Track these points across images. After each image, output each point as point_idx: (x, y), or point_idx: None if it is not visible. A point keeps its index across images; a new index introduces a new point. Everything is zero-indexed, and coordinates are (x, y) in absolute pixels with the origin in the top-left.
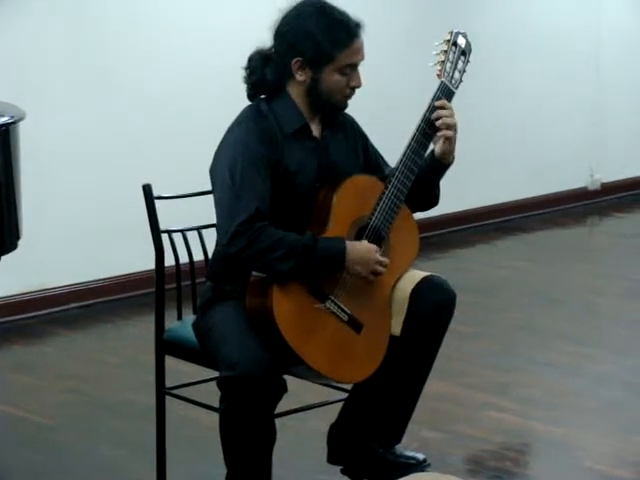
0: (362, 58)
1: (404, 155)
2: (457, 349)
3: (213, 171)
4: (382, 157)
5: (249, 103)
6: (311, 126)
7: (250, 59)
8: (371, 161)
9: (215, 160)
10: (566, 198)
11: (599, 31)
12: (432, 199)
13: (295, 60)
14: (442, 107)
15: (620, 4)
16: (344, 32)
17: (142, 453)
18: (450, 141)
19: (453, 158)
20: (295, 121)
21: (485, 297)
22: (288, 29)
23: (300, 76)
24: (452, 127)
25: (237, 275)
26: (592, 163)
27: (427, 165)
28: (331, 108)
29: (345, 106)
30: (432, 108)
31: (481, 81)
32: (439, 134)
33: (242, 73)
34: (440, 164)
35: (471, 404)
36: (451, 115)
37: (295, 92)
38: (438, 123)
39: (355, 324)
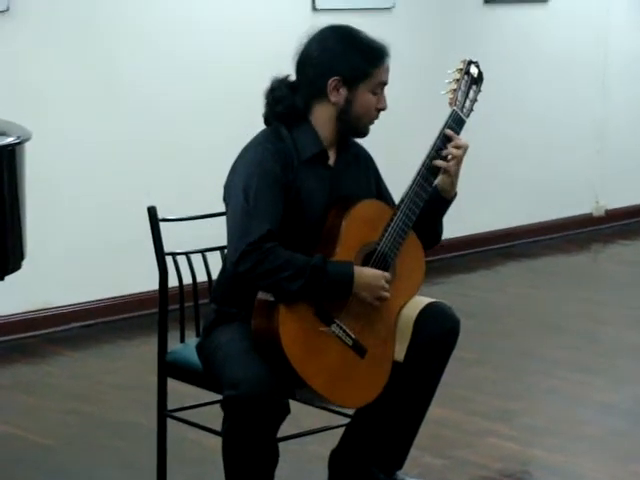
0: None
1: (413, 182)
2: (459, 375)
3: (228, 188)
4: (391, 198)
5: (255, 128)
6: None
7: (274, 88)
8: (380, 199)
9: (230, 177)
10: (570, 224)
11: (605, 59)
12: (435, 237)
13: (332, 79)
14: (451, 137)
15: (627, 34)
16: (377, 50)
17: (143, 475)
18: (450, 174)
19: (455, 194)
20: (313, 147)
21: (488, 323)
22: (321, 52)
23: (334, 97)
24: (453, 160)
25: (242, 298)
26: (597, 189)
27: (430, 198)
28: (356, 132)
29: (367, 132)
30: (442, 136)
31: (485, 106)
32: (437, 163)
33: (251, 96)
34: (441, 198)
35: (473, 430)
36: (457, 147)
37: (322, 117)
38: (439, 163)
39: (359, 349)
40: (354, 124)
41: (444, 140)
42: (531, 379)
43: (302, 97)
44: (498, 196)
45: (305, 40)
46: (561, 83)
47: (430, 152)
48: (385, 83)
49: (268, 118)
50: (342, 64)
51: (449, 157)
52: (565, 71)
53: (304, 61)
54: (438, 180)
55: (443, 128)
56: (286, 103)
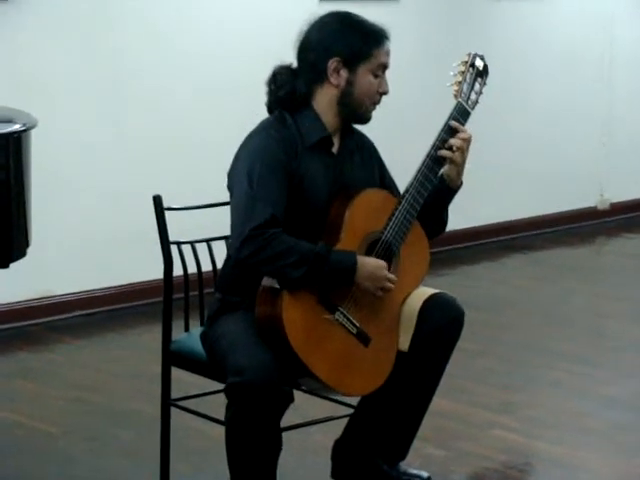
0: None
1: (418, 172)
2: (463, 367)
3: (231, 175)
4: (396, 187)
5: (259, 119)
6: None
7: (276, 74)
8: (385, 189)
9: (234, 163)
10: (575, 217)
11: (611, 53)
12: (440, 224)
13: (332, 61)
14: (456, 129)
15: (632, 28)
16: (377, 31)
17: (146, 463)
18: (456, 164)
19: (461, 183)
20: (318, 132)
21: (492, 315)
22: (321, 36)
23: (335, 79)
24: (458, 150)
25: (246, 286)
26: (602, 183)
27: (436, 187)
28: (358, 117)
29: (370, 117)
30: (447, 127)
31: (490, 99)
32: (443, 153)
33: (256, 88)
34: (447, 187)
35: (476, 422)
36: (463, 139)
37: (324, 102)
38: (444, 153)
39: (363, 337)
40: (356, 108)
41: (449, 132)
42: (535, 371)
43: (304, 82)
44: (503, 189)
45: (305, 27)
46: (566, 77)
47: (435, 143)
48: (386, 66)
49: (271, 105)
50: (342, 45)
51: (454, 148)
52: (570, 65)
53: (305, 47)
54: (444, 169)
55: (448, 119)
56: (288, 88)
